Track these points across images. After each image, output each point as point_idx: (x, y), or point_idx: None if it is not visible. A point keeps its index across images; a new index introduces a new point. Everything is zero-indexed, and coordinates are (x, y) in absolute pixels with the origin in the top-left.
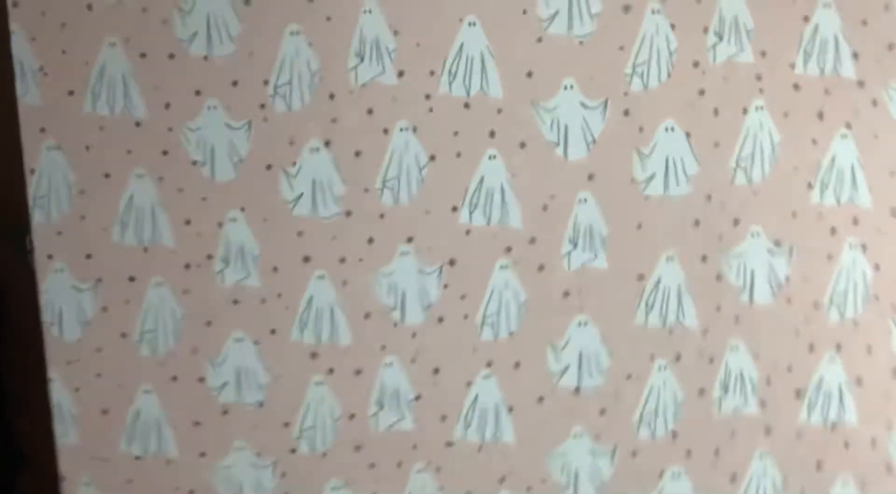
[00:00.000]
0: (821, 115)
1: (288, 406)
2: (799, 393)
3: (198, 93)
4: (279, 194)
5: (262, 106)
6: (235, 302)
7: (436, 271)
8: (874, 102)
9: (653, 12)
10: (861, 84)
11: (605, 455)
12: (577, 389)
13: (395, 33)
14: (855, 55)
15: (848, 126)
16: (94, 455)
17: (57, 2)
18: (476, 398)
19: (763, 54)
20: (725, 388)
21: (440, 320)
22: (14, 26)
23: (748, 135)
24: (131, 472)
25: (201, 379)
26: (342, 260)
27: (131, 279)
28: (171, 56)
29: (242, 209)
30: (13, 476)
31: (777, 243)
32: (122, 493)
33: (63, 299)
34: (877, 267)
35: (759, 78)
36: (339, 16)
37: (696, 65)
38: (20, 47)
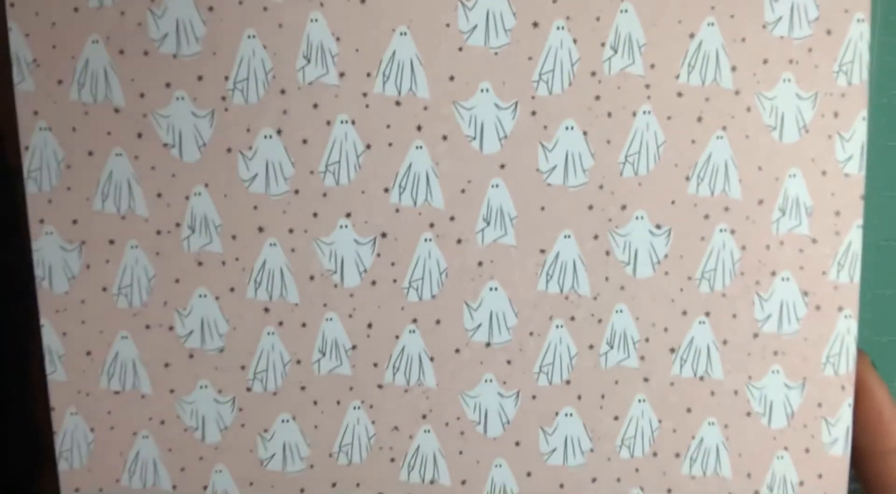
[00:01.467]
0: (700, 119)
1: (244, 352)
2: (673, 350)
3: (168, 85)
4: (237, 173)
5: (223, 98)
6: (200, 263)
7: (370, 242)
8: (748, 109)
9: (558, 28)
10: (737, 93)
11: (509, 398)
12: (488, 343)
13: (338, 40)
14: (733, 68)
15: (724, 128)
16: (78, 390)
17: (48, 3)
18: (403, 348)
19: (652, 66)
20: (611, 345)
21: (373, 283)
22: (11, 23)
23: (636, 135)
24: (111, 404)
25: (171, 328)
26: (291, 231)
27: (111, 242)
28: (146, 53)
29: (206, 185)
30: (33, 469)
31: (658, 226)
32: (102, 422)
33: (52, 257)
34: (743, 248)
35: (647, 86)
36: (289, 23)
37: (593, 74)
38: (16, 41)
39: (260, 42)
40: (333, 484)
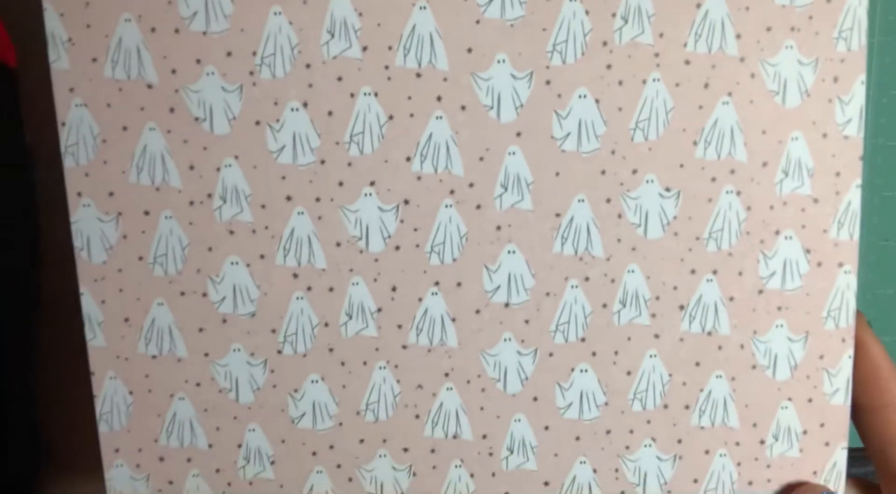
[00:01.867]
0: (706, 86)
1: (275, 316)
2: (682, 308)
3: (198, 61)
4: (266, 145)
5: (251, 73)
6: (231, 232)
7: (393, 209)
8: (752, 75)
9: (570, 0)
10: (742, 60)
11: (527, 356)
12: (507, 304)
13: (360, 15)
14: (738, 36)
15: (729, 94)
16: (117, 355)
17: None
18: (426, 310)
19: (661, 35)
20: (623, 303)
21: (397, 248)
22: (46, 4)
23: (646, 102)
24: (148, 368)
25: (204, 294)
26: (317, 199)
27: (146, 213)
28: (176, 31)
29: (236, 157)
30: (35, 470)
31: (667, 189)
32: (140, 385)
33: (90, 229)
34: (748, 209)
35: (656, 55)
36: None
37: (604, 44)
38: (51, 21)
39: (286, 18)
40: (361, 441)
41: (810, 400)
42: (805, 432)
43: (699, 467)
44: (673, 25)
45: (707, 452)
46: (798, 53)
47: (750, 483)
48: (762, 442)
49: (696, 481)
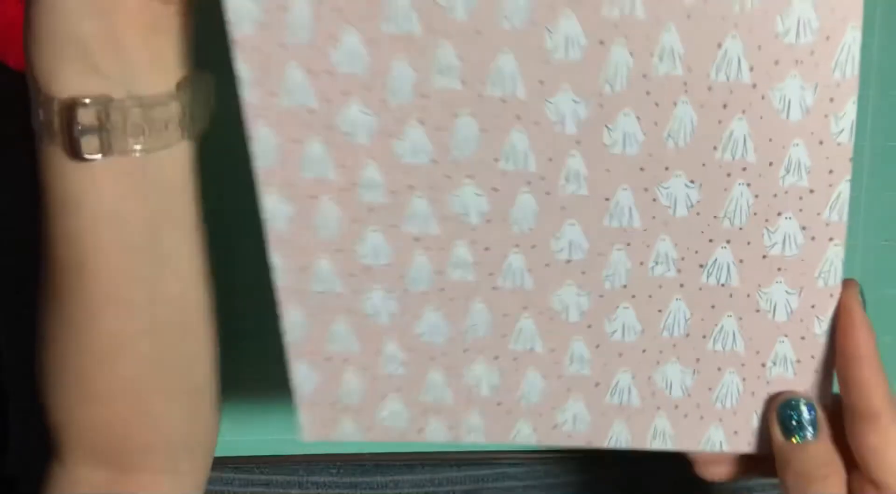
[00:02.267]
0: (725, 106)
1: (402, 266)
2: (702, 266)
3: (344, 94)
4: (394, 150)
5: (383, 100)
6: (370, 209)
7: (485, 194)
8: (762, 97)
9: (619, 45)
10: (754, 86)
11: (584, 296)
12: (568, 260)
13: (460, 59)
14: (751, 68)
15: (743, 112)
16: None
17: None
18: (510, 264)
19: (689, 69)
20: (656, 262)
21: (488, 221)
22: (240, 69)
23: (676, 119)
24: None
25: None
26: (431, 188)
27: (312, 197)
28: (329, 72)
29: (373, 159)
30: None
31: (692, 181)
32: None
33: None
34: (756, 196)
35: (685, 83)
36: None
37: (644, 76)
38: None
39: (408, 62)
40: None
41: (803, 338)
42: (798, 361)
43: (713, 379)
44: (698, 61)
45: (719, 369)
46: (801, 80)
47: (752, 394)
48: (763, 365)
49: (710, 389)
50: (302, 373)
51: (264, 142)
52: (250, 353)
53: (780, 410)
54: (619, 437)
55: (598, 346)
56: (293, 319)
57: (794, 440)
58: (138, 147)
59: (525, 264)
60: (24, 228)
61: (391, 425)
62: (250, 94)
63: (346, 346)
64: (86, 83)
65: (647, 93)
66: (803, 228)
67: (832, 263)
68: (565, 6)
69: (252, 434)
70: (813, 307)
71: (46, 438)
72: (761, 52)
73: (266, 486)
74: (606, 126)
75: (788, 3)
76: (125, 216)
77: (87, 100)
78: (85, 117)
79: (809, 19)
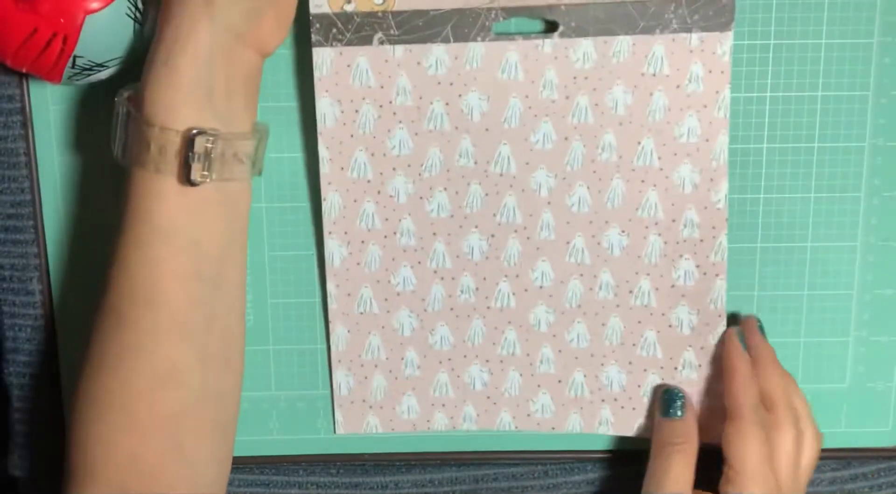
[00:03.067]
0: (643, 181)
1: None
2: (632, 294)
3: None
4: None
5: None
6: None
7: (486, 239)
8: (667, 177)
9: (575, 141)
10: (661, 169)
11: (551, 313)
12: (541, 286)
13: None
14: (659, 158)
15: (655, 186)
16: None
17: None
18: (501, 289)
19: (620, 157)
20: (600, 288)
21: (486, 258)
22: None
23: (612, 189)
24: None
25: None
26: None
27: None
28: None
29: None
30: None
31: (623, 232)
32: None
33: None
34: (665, 243)
35: (618, 166)
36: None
37: (592, 161)
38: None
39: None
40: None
41: (702, 348)
42: (700, 365)
43: (641, 378)
44: (626, 152)
45: (645, 370)
46: (691, 166)
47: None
48: (675, 368)
49: (639, 386)
50: (341, 377)
51: (331, 202)
52: (250, 355)
53: (661, 395)
54: (575, 424)
55: (560, 351)
56: (338, 334)
57: (666, 416)
58: (227, 176)
59: (511, 289)
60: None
61: (407, 418)
62: (326, 168)
63: (377, 355)
64: (203, 118)
65: (594, 171)
66: (697, 266)
67: (719, 292)
68: (544, 116)
69: (252, 435)
70: (707, 324)
71: (64, 467)
72: (665, 148)
73: (266, 486)
74: (567, 193)
75: (682, 118)
76: (203, 244)
77: (202, 131)
78: (199, 146)
79: (695, 128)
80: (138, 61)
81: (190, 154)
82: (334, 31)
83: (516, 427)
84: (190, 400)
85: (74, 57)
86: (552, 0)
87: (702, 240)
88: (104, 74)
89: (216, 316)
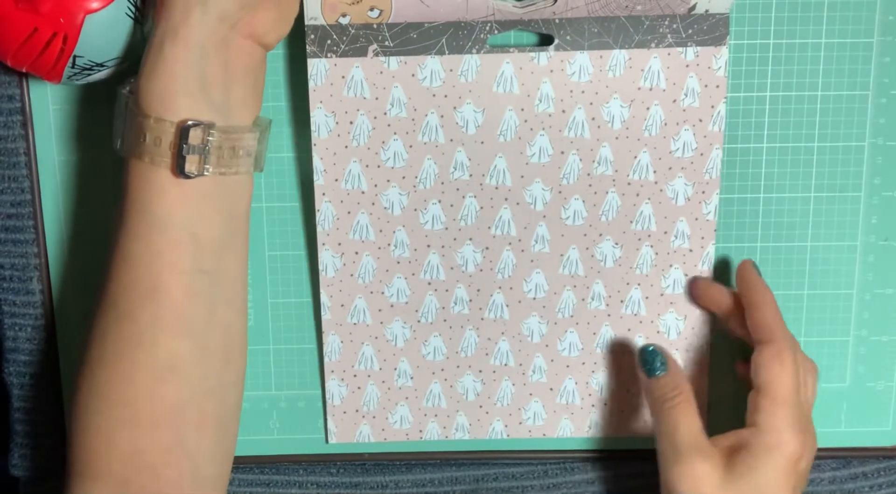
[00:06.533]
0: (637, 195)
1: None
2: (623, 303)
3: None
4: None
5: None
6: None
7: (482, 251)
8: (661, 190)
9: (572, 154)
10: (656, 182)
11: (544, 323)
12: (534, 297)
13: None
14: (654, 171)
15: (649, 199)
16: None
17: None
18: (494, 300)
19: (616, 171)
20: (593, 298)
21: (480, 270)
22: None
23: (607, 202)
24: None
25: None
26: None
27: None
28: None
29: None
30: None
31: (616, 243)
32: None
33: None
34: (656, 254)
35: (613, 180)
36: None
37: (588, 175)
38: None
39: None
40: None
41: (687, 351)
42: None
43: (630, 383)
44: (622, 166)
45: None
46: (685, 180)
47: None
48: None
49: (628, 391)
50: (333, 387)
51: (325, 213)
52: (251, 356)
53: (640, 357)
54: (565, 429)
55: (552, 360)
56: (332, 343)
57: (652, 376)
58: (224, 170)
59: (504, 301)
60: None
61: (399, 428)
62: (320, 179)
63: (370, 365)
64: (198, 110)
65: (590, 185)
66: (685, 275)
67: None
68: (540, 128)
69: (252, 434)
70: (693, 328)
71: (64, 462)
72: (661, 162)
73: (266, 486)
74: (563, 206)
75: (678, 132)
76: (201, 237)
77: (197, 123)
78: (194, 138)
79: (691, 142)
80: (138, 61)
81: (184, 146)
82: (329, 42)
83: (508, 435)
84: (191, 393)
85: (74, 57)
86: (547, 13)
87: (691, 250)
88: (104, 74)
89: (216, 310)
